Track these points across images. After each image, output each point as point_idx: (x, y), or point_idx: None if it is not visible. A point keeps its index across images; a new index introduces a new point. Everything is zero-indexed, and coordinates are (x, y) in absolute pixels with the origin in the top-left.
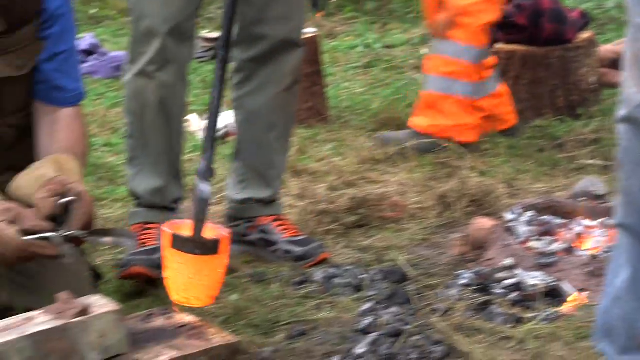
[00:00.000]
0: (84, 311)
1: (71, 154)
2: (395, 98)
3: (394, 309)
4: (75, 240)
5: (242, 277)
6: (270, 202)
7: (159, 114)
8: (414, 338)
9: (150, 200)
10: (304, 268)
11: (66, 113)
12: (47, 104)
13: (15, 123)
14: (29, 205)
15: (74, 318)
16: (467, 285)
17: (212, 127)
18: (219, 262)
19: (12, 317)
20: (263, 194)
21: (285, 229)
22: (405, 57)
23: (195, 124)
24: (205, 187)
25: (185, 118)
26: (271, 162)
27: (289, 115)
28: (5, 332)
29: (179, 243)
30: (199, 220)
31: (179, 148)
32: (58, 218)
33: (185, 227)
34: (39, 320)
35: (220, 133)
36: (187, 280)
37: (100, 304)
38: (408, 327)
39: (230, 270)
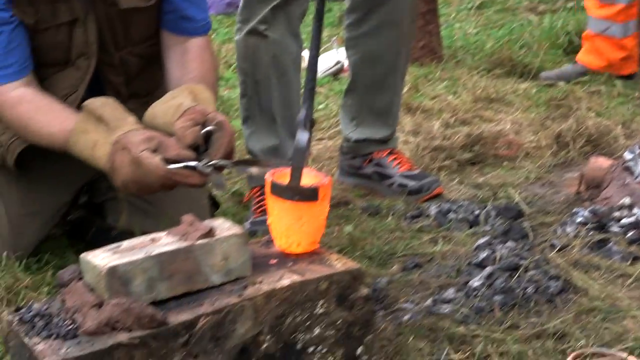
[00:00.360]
0: (208, 233)
1: (204, 84)
2: (509, 39)
3: (510, 244)
4: (217, 169)
5: (356, 209)
6: (387, 140)
7: (272, 72)
8: (530, 273)
9: (267, 159)
10: (419, 202)
11: (196, 43)
12: (176, 34)
13: (141, 52)
14: (167, 134)
15: (199, 240)
16: (583, 224)
17: (311, 76)
18: (320, 209)
19: (137, 237)
20: (381, 133)
21: (399, 163)
22: None
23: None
24: (303, 136)
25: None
26: (390, 102)
27: (407, 55)
28: (131, 252)
29: (278, 190)
30: (297, 168)
31: (296, 105)
32: (199, 147)
33: (288, 175)
34: (164, 241)
35: (333, 69)
36: (288, 227)
37: (225, 227)
38: (524, 261)
39: (345, 203)
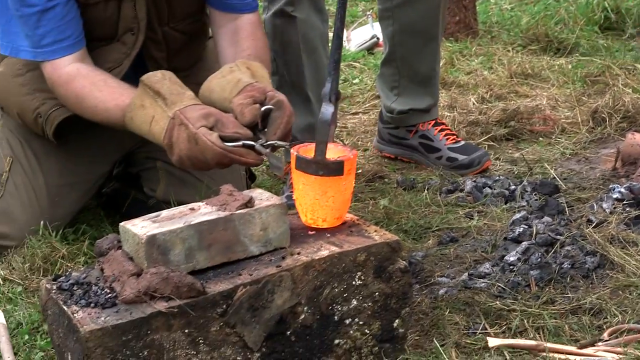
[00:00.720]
0: (248, 203)
1: (258, 61)
2: (545, 15)
3: (546, 219)
4: (274, 149)
5: (392, 183)
6: (430, 109)
7: (302, 51)
8: (567, 248)
9: (303, 138)
10: (470, 175)
11: (247, 20)
12: (226, 12)
13: (183, 28)
14: (223, 110)
15: (238, 210)
16: (619, 200)
17: (336, 48)
18: (345, 184)
19: (177, 207)
20: (424, 103)
21: (446, 135)
22: None
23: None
24: (327, 109)
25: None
26: (432, 71)
27: (444, 23)
28: (170, 221)
29: (303, 164)
30: (321, 142)
31: None
32: (257, 125)
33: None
34: (204, 211)
35: (367, 44)
36: (313, 202)
37: (264, 197)
38: (561, 237)
39: (380, 177)
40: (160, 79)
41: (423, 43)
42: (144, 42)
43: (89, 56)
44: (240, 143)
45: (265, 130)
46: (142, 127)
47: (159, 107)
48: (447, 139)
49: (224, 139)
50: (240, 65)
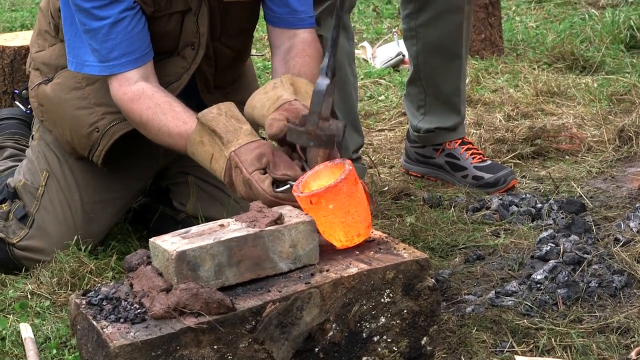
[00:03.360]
0: (277, 220)
1: (305, 77)
2: (570, 33)
3: (573, 238)
4: None
5: (418, 200)
6: (456, 127)
7: None
8: (594, 267)
9: None
10: (497, 194)
11: (300, 39)
12: (282, 28)
13: (233, 45)
14: (263, 125)
15: (268, 226)
16: None
17: (334, 28)
18: (361, 194)
19: (207, 223)
20: (450, 121)
21: (472, 154)
22: None
23: (369, 51)
24: (323, 82)
25: (359, 47)
26: (457, 89)
27: (468, 41)
28: (200, 237)
29: (295, 135)
30: (314, 112)
31: (353, 96)
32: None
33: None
34: (233, 227)
35: (393, 61)
36: (342, 226)
37: (293, 214)
38: (588, 255)
39: (406, 194)
40: (216, 115)
41: (447, 62)
42: None
43: (154, 72)
44: (288, 185)
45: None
46: (204, 163)
47: (216, 145)
48: (474, 157)
49: (275, 180)
50: (285, 81)
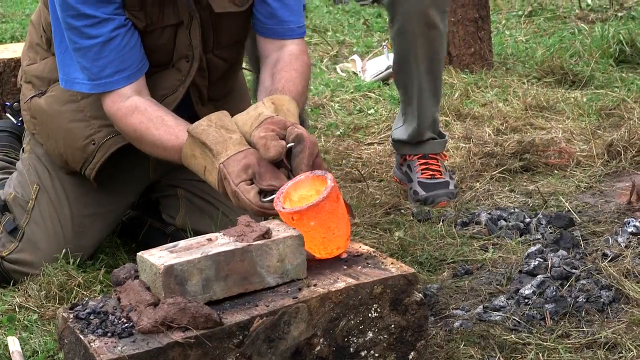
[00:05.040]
0: (265, 234)
1: (289, 93)
2: (560, 47)
3: (561, 253)
4: None
5: (407, 215)
6: (417, 142)
7: None
8: (582, 282)
9: None
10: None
11: (287, 52)
12: (271, 38)
13: (226, 56)
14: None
15: (256, 241)
16: (634, 234)
17: None
18: (342, 209)
19: (194, 237)
20: (406, 134)
21: (424, 169)
22: (569, 7)
23: (358, 64)
24: None
25: (349, 60)
26: (420, 106)
27: (437, 60)
28: (188, 251)
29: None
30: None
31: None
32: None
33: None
34: (221, 242)
35: (383, 74)
36: (323, 241)
37: (281, 229)
38: (576, 271)
39: (396, 208)
40: (206, 127)
41: (407, 76)
42: None
43: (146, 85)
44: (275, 196)
45: (291, 169)
46: (199, 175)
47: (208, 157)
48: (423, 172)
49: (262, 190)
50: (266, 102)
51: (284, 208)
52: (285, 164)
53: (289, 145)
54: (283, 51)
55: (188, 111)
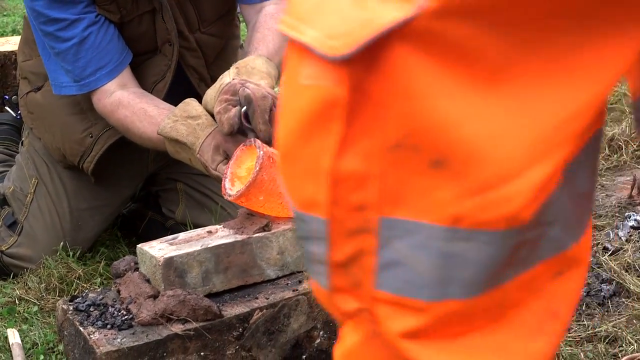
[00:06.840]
0: (265, 227)
1: (259, 52)
2: None
3: None
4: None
5: None
6: None
7: None
8: None
9: None
10: None
11: (266, 11)
12: (253, 4)
13: (215, 31)
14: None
15: (256, 233)
16: (635, 228)
17: None
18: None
19: (194, 230)
20: None
21: None
22: None
23: None
24: None
25: None
26: None
27: None
28: (188, 243)
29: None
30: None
31: None
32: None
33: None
34: (221, 234)
35: None
36: (281, 205)
37: (280, 221)
38: None
39: None
40: (172, 125)
41: None
42: (182, 52)
43: (132, 76)
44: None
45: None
46: (190, 165)
47: (187, 150)
48: None
49: None
50: (232, 68)
51: (230, 195)
52: (247, 127)
53: (243, 110)
54: (261, 13)
55: (193, 95)
